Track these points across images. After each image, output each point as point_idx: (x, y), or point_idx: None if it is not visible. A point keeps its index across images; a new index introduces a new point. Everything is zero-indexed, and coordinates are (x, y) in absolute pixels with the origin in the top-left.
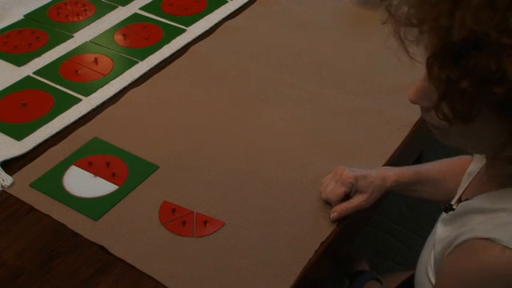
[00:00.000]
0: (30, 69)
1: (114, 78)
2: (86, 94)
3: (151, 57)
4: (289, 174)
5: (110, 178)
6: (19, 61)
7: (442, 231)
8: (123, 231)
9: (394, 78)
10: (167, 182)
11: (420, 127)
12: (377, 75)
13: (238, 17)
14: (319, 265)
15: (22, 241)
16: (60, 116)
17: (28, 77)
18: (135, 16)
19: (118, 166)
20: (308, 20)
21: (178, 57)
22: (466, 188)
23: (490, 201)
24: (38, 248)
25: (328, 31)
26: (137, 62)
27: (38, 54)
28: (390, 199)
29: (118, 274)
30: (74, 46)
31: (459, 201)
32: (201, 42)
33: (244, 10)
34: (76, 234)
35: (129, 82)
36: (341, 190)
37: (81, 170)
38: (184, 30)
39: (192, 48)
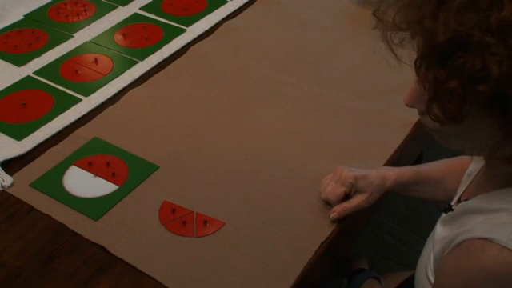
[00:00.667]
0: (30, 69)
1: (114, 78)
2: (86, 94)
3: (151, 57)
4: (289, 174)
5: (110, 177)
6: (19, 61)
7: (441, 231)
8: (123, 231)
9: (393, 78)
10: (167, 182)
11: (420, 127)
12: (377, 75)
13: (237, 17)
14: (319, 265)
15: (22, 241)
16: (60, 116)
17: (28, 77)
18: (135, 16)
19: (118, 166)
20: (308, 20)
21: (178, 57)
22: (466, 188)
23: (488, 201)
24: (38, 248)
25: (328, 31)
26: (137, 62)
27: (38, 53)
28: (390, 199)
29: (118, 274)
30: (74, 46)
31: (459, 201)
32: (201, 42)
33: (244, 10)
34: (76, 234)
35: (129, 82)
36: (340, 190)
37: (81, 169)
38: (184, 30)
39: (192, 48)
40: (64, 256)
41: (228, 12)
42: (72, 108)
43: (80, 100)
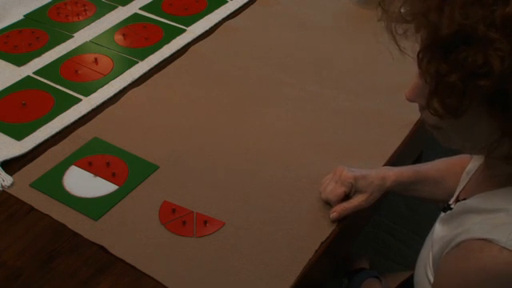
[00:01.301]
0: (30, 69)
1: (114, 78)
2: (86, 94)
3: (151, 57)
4: (289, 174)
5: (110, 178)
6: (19, 61)
7: (439, 230)
8: (123, 231)
9: (393, 78)
10: (167, 182)
11: (420, 127)
12: (377, 75)
13: (237, 17)
14: (319, 265)
15: (22, 241)
16: (60, 116)
17: (28, 77)
18: (135, 16)
19: (118, 166)
20: (308, 20)
21: (178, 57)
22: (464, 187)
23: (487, 201)
24: (38, 248)
25: (328, 31)
26: (137, 62)
27: (38, 53)
28: (390, 199)
29: (118, 273)
30: (74, 46)
31: (457, 200)
32: (201, 42)
33: (244, 10)
34: (76, 234)
35: (129, 82)
36: (340, 190)
37: (81, 169)
38: (184, 30)
39: (192, 48)
40: (64, 256)
41: (228, 12)
42: (72, 108)
43: (80, 100)
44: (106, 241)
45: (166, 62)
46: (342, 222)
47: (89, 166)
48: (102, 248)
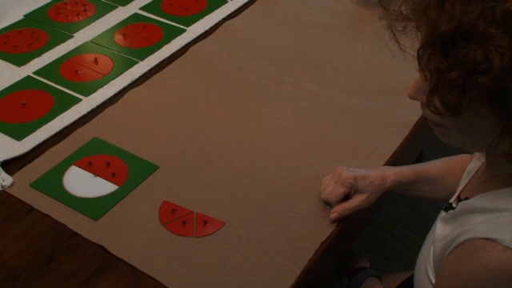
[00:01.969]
0: (30, 69)
1: (114, 78)
2: (86, 94)
3: (151, 57)
4: (289, 174)
5: (110, 178)
6: (19, 61)
7: (441, 230)
8: (123, 231)
9: (393, 78)
10: (167, 182)
11: (420, 127)
12: (376, 75)
13: (237, 17)
14: (319, 265)
15: (22, 241)
16: (60, 116)
17: (28, 77)
18: (135, 16)
19: (118, 165)
20: (308, 20)
21: (178, 57)
22: (465, 186)
23: (490, 200)
24: (38, 248)
25: (328, 31)
26: (137, 62)
27: (38, 53)
28: (390, 199)
29: (117, 273)
30: (73, 46)
31: (458, 199)
32: (201, 42)
33: (244, 10)
34: (76, 234)
35: (129, 82)
36: (340, 191)
37: (81, 169)
38: (184, 30)
39: (192, 48)
40: (64, 256)
41: (228, 12)
42: (72, 108)
43: (80, 100)
44: (106, 241)
45: (166, 62)
46: (342, 222)
47: (89, 166)
48: (102, 248)
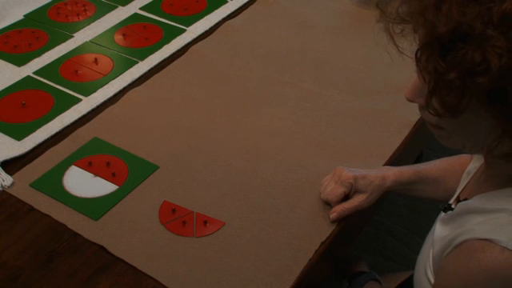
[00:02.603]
0: (30, 69)
1: (114, 78)
2: (86, 94)
3: (151, 57)
4: (289, 174)
5: (110, 178)
6: (19, 61)
7: (440, 230)
8: (123, 231)
9: (393, 78)
10: (167, 182)
11: (420, 127)
12: (377, 75)
13: (237, 17)
14: (319, 265)
15: (22, 241)
16: (60, 116)
17: (28, 77)
18: (135, 16)
19: (117, 165)
20: (308, 20)
21: (178, 57)
22: (465, 187)
23: (489, 201)
24: (38, 248)
25: (328, 31)
26: (137, 62)
27: (38, 53)
28: (390, 199)
29: (117, 273)
30: (73, 46)
31: (458, 200)
32: (201, 42)
33: (244, 10)
34: (76, 234)
35: (129, 82)
36: (340, 191)
37: (81, 169)
38: (184, 30)
39: (192, 48)
40: (64, 256)
41: (228, 12)
42: (72, 108)
43: (80, 100)
44: (106, 241)
45: (166, 62)
46: (342, 222)
47: (89, 166)
48: (102, 248)
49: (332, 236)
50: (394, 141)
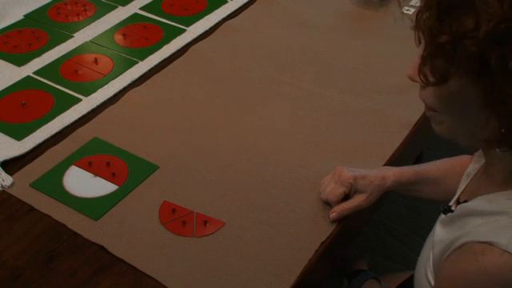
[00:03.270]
0: (30, 69)
1: (114, 78)
2: (86, 94)
3: (151, 57)
4: (289, 174)
5: (110, 178)
6: (19, 61)
7: (440, 232)
8: (123, 231)
9: (393, 78)
10: (167, 182)
11: (420, 127)
12: (377, 75)
13: (237, 17)
14: (319, 265)
15: (22, 241)
16: (60, 116)
17: (28, 77)
18: (135, 16)
19: (117, 166)
20: (308, 20)
21: (178, 57)
22: (464, 189)
23: (489, 203)
24: (38, 248)
25: (328, 31)
26: (137, 62)
27: (38, 53)
28: (390, 199)
29: (117, 273)
30: (73, 46)
31: (457, 202)
32: (201, 42)
33: (244, 9)
34: (76, 234)
35: (129, 82)
36: (340, 191)
37: (81, 169)
38: (184, 30)
39: (192, 48)
40: (64, 256)
41: (228, 12)
42: (72, 108)
43: (80, 100)
44: (106, 241)
45: (166, 62)
46: (342, 222)
47: (89, 166)
48: (102, 248)
49: (332, 236)
50: (394, 141)
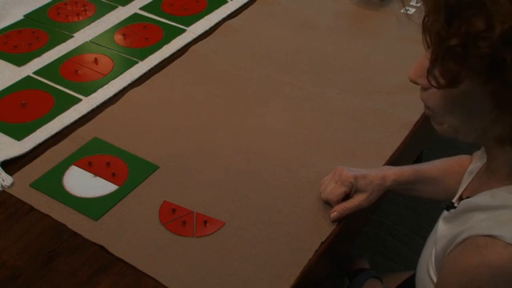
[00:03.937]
0: (30, 69)
1: (114, 78)
2: (86, 94)
3: (151, 57)
4: (289, 174)
5: (110, 178)
6: (19, 61)
7: (443, 229)
8: (123, 231)
9: (393, 78)
10: (167, 182)
11: (420, 127)
12: (377, 75)
13: (237, 17)
14: (319, 265)
15: (22, 241)
16: (60, 116)
17: (28, 77)
18: (135, 16)
19: (117, 165)
20: (308, 20)
21: (178, 57)
22: (467, 186)
23: (492, 198)
24: (38, 248)
25: (328, 31)
26: (137, 62)
27: (38, 53)
28: (390, 199)
29: (117, 273)
30: (73, 46)
31: (460, 199)
32: (201, 42)
33: (244, 9)
34: (76, 234)
35: (129, 82)
36: (340, 190)
37: (81, 169)
38: (184, 30)
39: (192, 48)
40: (64, 256)
41: (228, 12)
42: (72, 108)
43: (80, 100)
44: (106, 241)
45: (166, 62)
46: (342, 221)
47: (89, 166)
48: (102, 248)
49: (332, 236)
50: (394, 141)
